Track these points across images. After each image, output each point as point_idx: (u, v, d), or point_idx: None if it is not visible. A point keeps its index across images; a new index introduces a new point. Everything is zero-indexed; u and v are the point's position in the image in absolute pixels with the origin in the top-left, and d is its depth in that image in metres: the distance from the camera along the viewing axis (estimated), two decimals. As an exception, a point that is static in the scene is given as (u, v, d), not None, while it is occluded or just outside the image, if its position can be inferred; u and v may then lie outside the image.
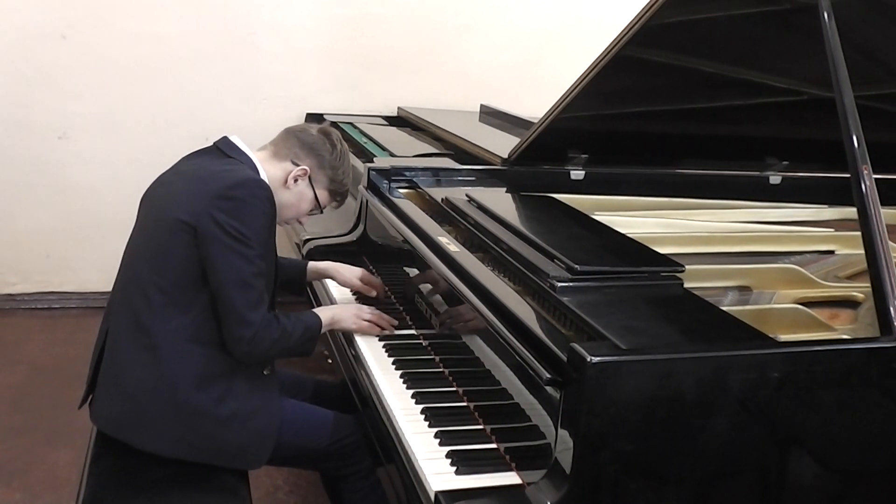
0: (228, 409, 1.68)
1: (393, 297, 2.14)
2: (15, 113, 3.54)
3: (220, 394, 1.68)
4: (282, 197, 1.81)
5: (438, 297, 1.86)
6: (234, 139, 1.81)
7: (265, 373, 1.76)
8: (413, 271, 2.03)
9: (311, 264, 2.15)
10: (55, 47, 3.51)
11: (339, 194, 1.92)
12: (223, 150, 1.79)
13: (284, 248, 3.32)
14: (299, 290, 2.20)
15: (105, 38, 3.54)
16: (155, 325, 1.65)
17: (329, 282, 2.20)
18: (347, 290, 2.19)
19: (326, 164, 1.86)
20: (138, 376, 1.66)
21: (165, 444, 1.67)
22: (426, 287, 1.93)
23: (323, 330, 1.84)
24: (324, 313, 1.87)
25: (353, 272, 2.12)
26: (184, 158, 1.83)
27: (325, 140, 1.87)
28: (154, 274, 1.66)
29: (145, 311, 1.66)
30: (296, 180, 1.83)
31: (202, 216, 1.62)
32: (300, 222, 1.95)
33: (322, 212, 1.94)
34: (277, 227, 1.78)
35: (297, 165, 1.83)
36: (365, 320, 1.91)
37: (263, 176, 1.77)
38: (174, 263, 1.66)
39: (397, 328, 1.95)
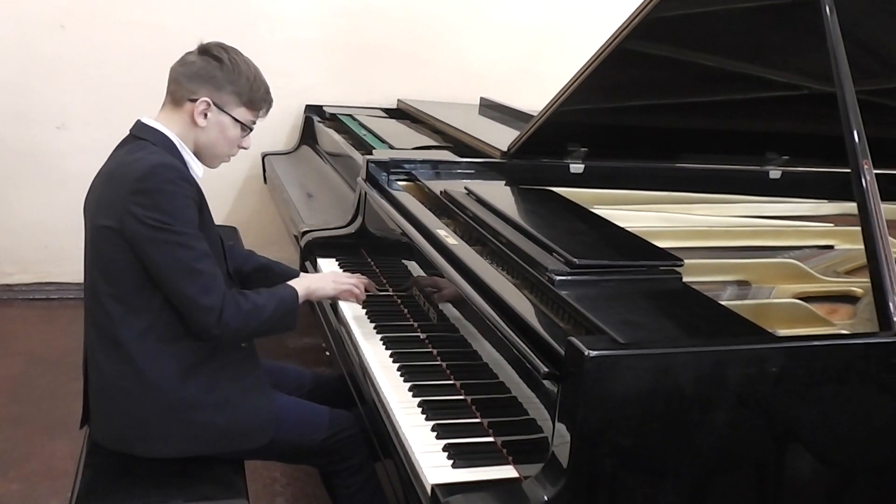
0: (220, 394, 1.69)
1: (390, 289, 2.14)
2: (13, 103, 3.53)
3: (207, 382, 1.68)
4: (200, 138, 1.71)
5: (436, 290, 1.85)
6: (146, 119, 1.72)
7: (243, 345, 1.75)
8: (412, 264, 2.02)
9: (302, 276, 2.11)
10: (54, 37, 3.49)
11: (258, 102, 1.75)
12: (136, 134, 1.71)
13: (283, 240, 3.32)
14: None
15: (104, 27, 3.53)
16: (123, 335, 1.63)
17: (320, 262, 2.19)
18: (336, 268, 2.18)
19: (223, 82, 1.69)
20: (124, 390, 1.65)
21: (173, 447, 1.67)
22: (424, 280, 1.93)
23: (301, 300, 1.78)
24: (299, 283, 1.82)
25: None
26: (110, 154, 1.76)
27: (207, 60, 1.70)
28: (105, 285, 1.64)
29: (109, 323, 1.64)
30: (205, 116, 1.69)
31: (123, 217, 1.57)
32: (244, 147, 1.80)
33: (252, 130, 1.78)
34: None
35: (195, 100, 1.69)
36: (343, 285, 1.87)
37: (174, 139, 1.69)
38: (120, 271, 1.62)
39: (394, 322, 1.95)
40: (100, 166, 3.95)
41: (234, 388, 1.71)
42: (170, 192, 1.58)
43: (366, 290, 1.95)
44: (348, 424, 1.82)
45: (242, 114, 1.73)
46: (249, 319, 1.65)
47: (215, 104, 1.70)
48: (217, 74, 1.69)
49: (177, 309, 1.63)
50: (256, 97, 1.74)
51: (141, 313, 1.63)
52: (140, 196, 1.57)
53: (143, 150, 1.65)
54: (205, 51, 1.72)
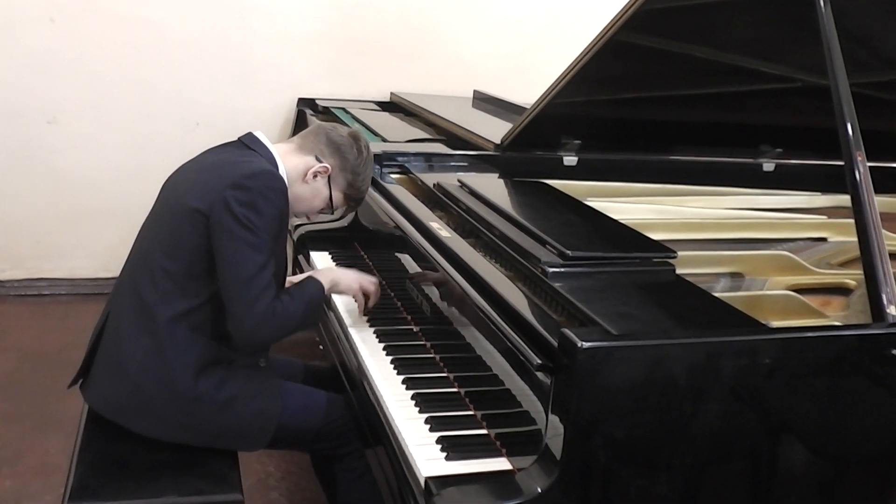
0: (229, 394, 1.71)
1: (384, 283, 2.13)
2: (3, 98, 3.51)
3: (220, 380, 1.70)
4: (297, 190, 1.82)
5: (430, 283, 1.85)
6: (258, 134, 1.82)
7: (261, 364, 1.78)
8: (405, 257, 2.02)
9: (289, 280, 2.12)
10: (43, 31, 3.47)
11: (354, 200, 1.91)
12: (246, 143, 1.81)
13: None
14: None
15: (94, 21, 3.50)
16: (160, 312, 1.67)
17: (313, 256, 2.19)
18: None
19: (349, 168, 1.84)
20: (141, 362, 1.67)
21: (165, 429, 1.69)
22: (418, 274, 1.92)
23: (325, 293, 1.85)
24: (325, 276, 1.87)
25: None
26: (207, 150, 1.84)
27: (353, 144, 1.86)
28: (166, 260, 1.68)
29: (153, 296, 1.68)
30: (315, 176, 1.82)
31: (216, 204, 1.63)
32: (308, 218, 1.95)
33: (333, 213, 1.93)
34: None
35: (320, 162, 1.82)
36: (367, 284, 1.92)
37: (282, 169, 1.78)
38: (186, 251, 1.67)
39: (388, 315, 1.94)
40: (91, 160, 3.93)
41: (244, 391, 1.72)
42: (267, 199, 1.65)
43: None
44: (347, 410, 1.83)
45: (338, 198, 1.88)
46: (277, 332, 1.69)
47: (329, 176, 1.83)
48: (350, 159, 1.85)
49: (221, 307, 1.66)
50: (356, 196, 1.91)
51: (187, 298, 1.67)
52: (240, 191, 1.63)
53: (255, 157, 1.76)
54: (356, 137, 1.89)
